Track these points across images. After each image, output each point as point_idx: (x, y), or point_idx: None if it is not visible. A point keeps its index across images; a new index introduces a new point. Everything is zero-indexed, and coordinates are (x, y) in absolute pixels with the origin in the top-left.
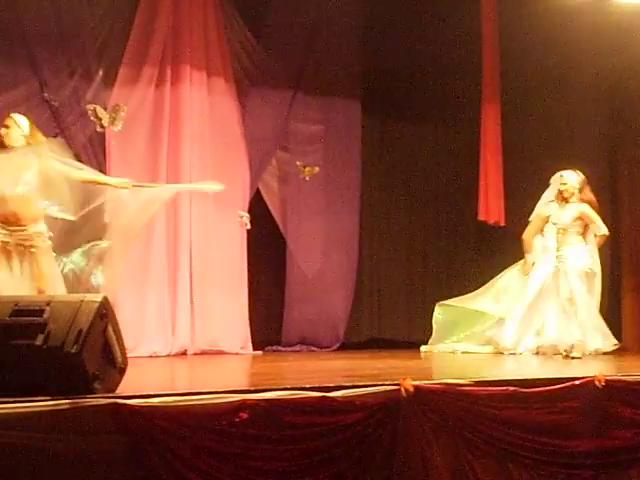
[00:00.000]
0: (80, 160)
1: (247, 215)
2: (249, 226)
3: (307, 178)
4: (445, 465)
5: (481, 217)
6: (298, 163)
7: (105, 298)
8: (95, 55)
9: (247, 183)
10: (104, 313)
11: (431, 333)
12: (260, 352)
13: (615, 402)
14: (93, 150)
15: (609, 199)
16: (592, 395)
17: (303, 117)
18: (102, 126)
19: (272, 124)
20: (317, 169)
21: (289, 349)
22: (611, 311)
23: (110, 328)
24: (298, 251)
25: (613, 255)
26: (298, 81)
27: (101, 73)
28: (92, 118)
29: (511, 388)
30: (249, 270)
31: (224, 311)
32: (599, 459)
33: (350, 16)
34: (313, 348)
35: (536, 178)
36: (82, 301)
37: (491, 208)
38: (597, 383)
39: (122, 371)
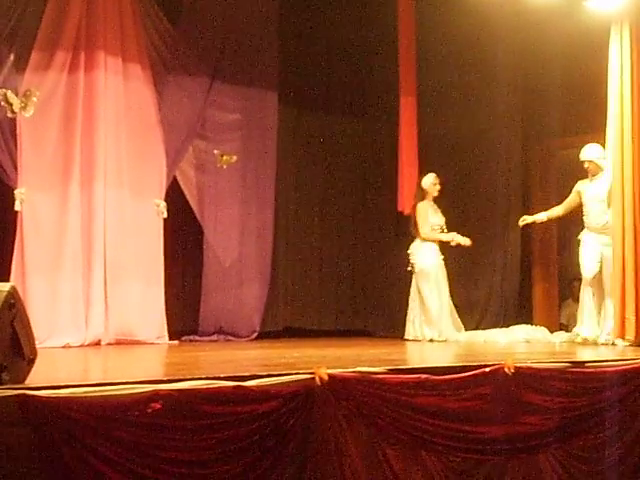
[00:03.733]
0: None
1: (164, 203)
2: (165, 215)
3: (224, 167)
4: (358, 453)
5: (399, 207)
6: (215, 152)
7: (13, 287)
8: (6, 39)
9: (164, 171)
10: (12, 303)
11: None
12: (176, 342)
13: (524, 389)
14: (3, 136)
15: (522, 192)
16: (502, 382)
17: (220, 105)
18: (13, 112)
19: (189, 112)
20: (235, 158)
21: (206, 339)
22: (523, 299)
23: (18, 318)
24: (215, 240)
25: (524, 247)
26: (215, 69)
27: (12, 57)
28: (2, 103)
29: (423, 376)
30: (165, 259)
31: (140, 301)
32: (509, 444)
33: (268, 6)
34: (230, 338)
35: (453, 170)
36: None
37: (406, 199)
38: (507, 370)
39: (31, 362)
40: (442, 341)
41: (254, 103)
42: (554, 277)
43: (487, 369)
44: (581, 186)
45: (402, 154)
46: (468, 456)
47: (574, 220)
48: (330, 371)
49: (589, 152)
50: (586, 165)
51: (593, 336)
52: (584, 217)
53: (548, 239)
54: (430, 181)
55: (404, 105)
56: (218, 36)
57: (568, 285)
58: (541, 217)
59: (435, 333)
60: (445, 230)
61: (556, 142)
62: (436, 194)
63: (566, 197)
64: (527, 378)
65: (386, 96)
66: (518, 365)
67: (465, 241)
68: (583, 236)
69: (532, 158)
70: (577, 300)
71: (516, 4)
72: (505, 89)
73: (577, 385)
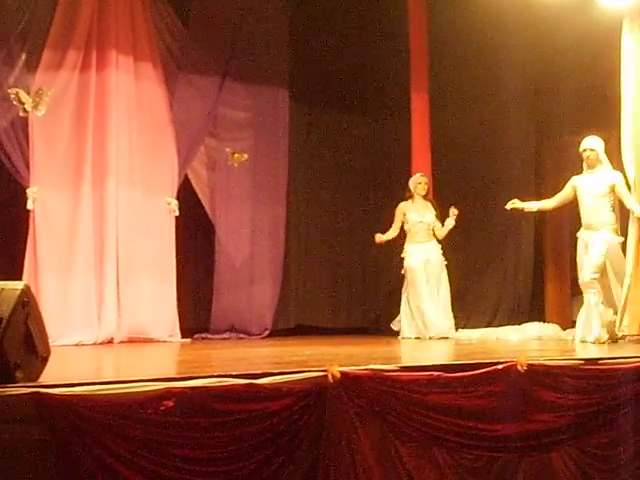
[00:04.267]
0: (1, 145)
1: (175, 202)
2: (177, 213)
3: (235, 165)
4: (371, 450)
5: None
6: (227, 150)
7: (27, 286)
8: (18, 38)
9: (175, 169)
10: (26, 301)
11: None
12: (189, 340)
13: (537, 386)
14: (16, 135)
15: (534, 190)
16: (514, 379)
17: (232, 104)
18: (25, 110)
19: (200, 110)
20: (245, 156)
21: (218, 336)
22: (536, 297)
23: (32, 317)
24: (227, 238)
25: (536, 244)
26: (226, 67)
27: (24, 57)
28: (15, 102)
29: (435, 373)
30: (177, 257)
31: (152, 299)
32: (522, 442)
33: (278, 4)
34: (242, 335)
35: (464, 166)
36: (3, 289)
37: None
38: (519, 367)
39: (44, 360)
40: (418, 338)
41: (265, 101)
42: (566, 275)
43: (499, 366)
44: (577, 181)
45: (414, 151)
46: (481, 453)
47: None
48: (342, 369)
49: (591, 141)
50: (587, 154)
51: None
52: (580, 213)
53: (560, 237)
54: (414, 180)
55: (416, 102)
56: (229, 34)
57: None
58: (531, 206)
59: (408, 331)
60: (432, 227)
61: (569, 139)
62: (423, 192)
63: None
64: (540, 375)
65: (398, 93)
66: (531, 362)
67: (453, 212)
68: (580, 234)
69: (545, 156)
70: None
71: (527, 0)
72: (517, 86)
73: (590, 382)
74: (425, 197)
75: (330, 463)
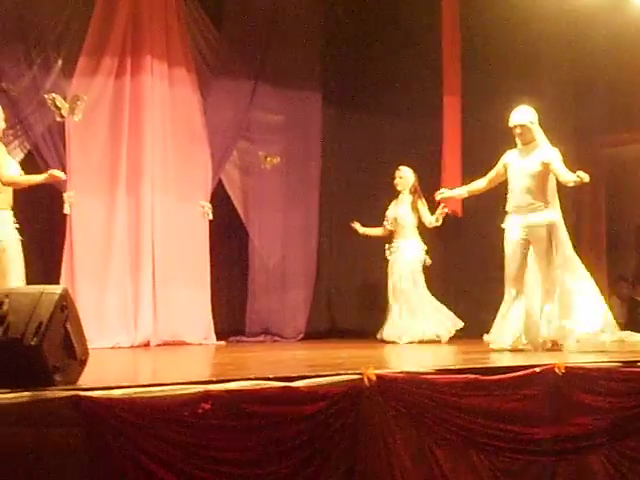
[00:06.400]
0: (39, 150)
1: (209, 205)
2: (211, 216)
3: (268, 168)
4: (407, 453)
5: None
6: (260, 153)
7: (65, 290)
8: (54, 45)
9: (209, 173)
10: (64, 305)
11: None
12: (223, 343)
13: (574, 389)
14: (52, 140)
15: (571, 188)
16: (552, 382)
17: (264, 107)
18: (61, 116)
19: (234, 114)
20: (278, 159)
21: (253, 339)
22: None
23: (70, 320)
24: (260, 241)
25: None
26: (259, 71)
27: (60, 63)
28: (51, 108)
29: (472, 376)
30: (211, 261)
31: (187, 302)
32: (559, 445)
33: (310, 6)
34: (277, 338)
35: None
36: (42, 293)
37: (450, 199)
38: (557, 370)
39: (83, 363)
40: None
41: (298, 104)
42: (603, 271)
43: (537, 369)
44: (509, 157)
45: (445, 153)
46: (518, 457)
47: (626, 219)
48: (378, 371)
49: (520, 115)
50: (518, 131)
51: (504, 345)
52: (508, 194)
53: (596, 238)
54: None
55: (448, 104)
56: (261, 38)
57: (615, 284)
58: (461, 192)
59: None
60: (411, 222)
61: (604, 138)
62: (399, 188)
63: (616, 196)
64: (578, 378)
65: (431, 95)
66: (569, 365)
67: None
68: (507, 224)
69: (580, 155)
70: (622, 299)
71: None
72: (551, 85)
73: (629, 385)
74: (411, 192)
75: (367, 465)
